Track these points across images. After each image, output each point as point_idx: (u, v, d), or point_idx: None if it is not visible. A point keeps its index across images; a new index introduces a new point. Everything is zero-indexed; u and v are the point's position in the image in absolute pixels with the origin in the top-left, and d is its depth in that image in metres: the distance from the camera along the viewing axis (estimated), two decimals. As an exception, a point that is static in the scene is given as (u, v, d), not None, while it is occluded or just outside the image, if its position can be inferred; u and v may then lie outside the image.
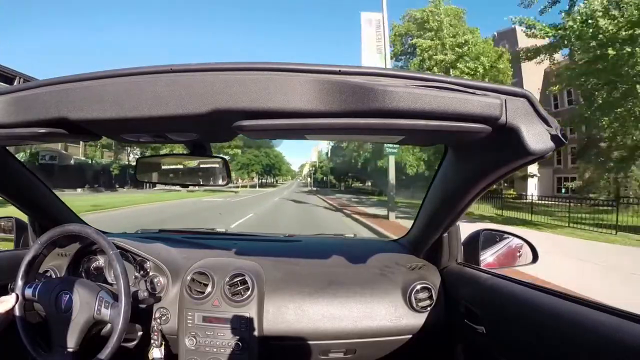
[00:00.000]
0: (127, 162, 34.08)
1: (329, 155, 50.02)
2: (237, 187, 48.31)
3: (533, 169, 22.63)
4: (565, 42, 9.45)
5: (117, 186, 31.82)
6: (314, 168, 67.59)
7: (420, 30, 16.38)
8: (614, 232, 8.45)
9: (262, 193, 33.18)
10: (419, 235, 1.26)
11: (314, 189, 52.13)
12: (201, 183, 1.04)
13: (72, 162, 28.45)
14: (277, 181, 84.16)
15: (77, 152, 30.00)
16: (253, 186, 52.43)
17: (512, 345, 0.84)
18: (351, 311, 1.10)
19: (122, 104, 0.59)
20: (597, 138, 11.73)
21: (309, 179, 74.20)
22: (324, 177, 59.92)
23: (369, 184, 46.77)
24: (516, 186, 23.64)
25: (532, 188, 22.24)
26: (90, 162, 30.40)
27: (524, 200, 15.61)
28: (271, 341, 1.08)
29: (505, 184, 23.94)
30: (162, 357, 1.11)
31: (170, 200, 19.34)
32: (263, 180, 68.13)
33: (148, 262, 1.18)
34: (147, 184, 30.64)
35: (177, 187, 26.86)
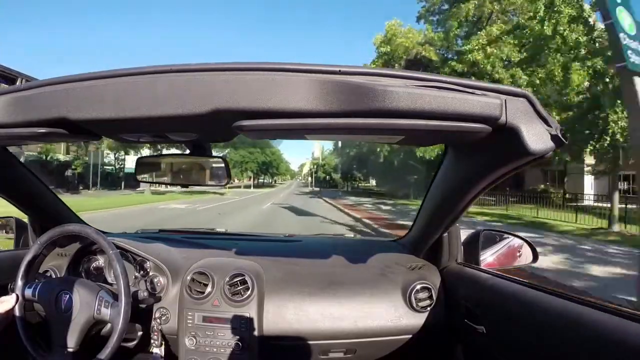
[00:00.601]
0: (92, 159, 27.81)
1: (340, 147, 38.67)
2: (228, 187, 44.35)
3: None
4: None
5: (81, 188, 26.08)
6: (315, 166, 58.33)
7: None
8: None
9: (253, 195, 27.34)
10: (419, 235, 1.26)
11: (316, 189, 44.90)
12: (201, 183, 1.04)
13: (21, 159, 23.45)
14: (275, 181, 77.29)
15: (34, 147, 22.49)
16: (248, 186, 45.34)
17: (512, 345, 0.84)
18: (351, 311, 1.10)
19: (122, 104, 0.59)
20: None
21: (309, 179, 64.38)
22: (327, 176, 52.74)
23: (374, 182, 41.72)
24: (568, 184, 19.07)
25: (588, 187, 18.09)
26: (44, 158, 24.46)
27: (603, 205, 11.24)
28: (271, 341, 1.08)
29: (548, 182, 20.62)
30: (162, 357, 1.11)
31: (123, 207, 14.27)
32: (260, 180, 61.71)
33: (148, 262, 1.18)
34: (121, 186, 28.34)
35: (143, 188, 24.17)
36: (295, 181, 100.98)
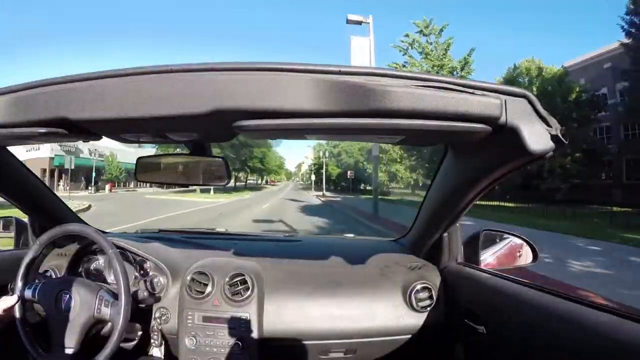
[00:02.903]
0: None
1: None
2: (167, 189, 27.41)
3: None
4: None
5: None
6: (324, 154, 37.16)
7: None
8: None
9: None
10: (419, 235, 1.26)
11: (334, 197, 25.55)
12: (200, 183, 1.04)
13: None
14: (266, 181, 58.28)
15: None
16: (206, 191, 24.98)
17: (512, 345, 0.85)
18: (351, 311, 1.10)
19: (122, 103, 0.59)
20: None
21: (312, 177, 41.84)
22: (347, 173, 30.93)
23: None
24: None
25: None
26: None
27: None
28: (271, 341, 1.08)
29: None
30: (162, 357, 1.11)
31: None
32: (247, 179, 41.41)
33: (148, 262, 1.18)
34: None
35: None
36: (291, 182, 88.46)
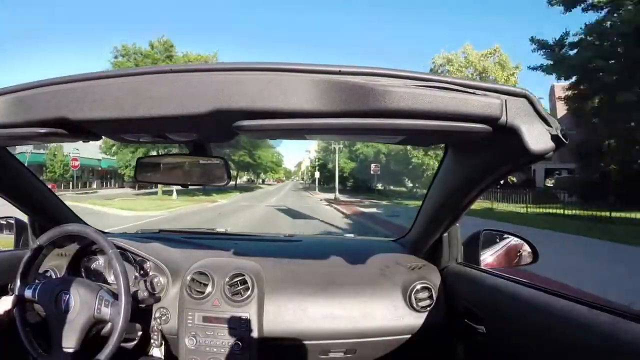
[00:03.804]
0: None
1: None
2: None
3: None
4: None
5: None
6: (338, 142, 22.83)
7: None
8: None
9: None
10: (419, 235, 1.26)
11: (358, 206, 14.83)
12: (200, 183, 1.04)
13: None
14: (263, 180, 51.90)
15: None
16: (168, 191, 20.26)
17: (512, 345, 0.85)
18: (351, 311, 1.11)
19: (122, 104, 0.59)
20: None
21: (316, 174, 33.01)
22: (372, 167, 20.33)
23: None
24: None
25: None
26: None
27: None
28: (271, 341, 1.09)
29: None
30: (162, 357, 1.11)
31: None
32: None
33: (148, 262, 1.18)
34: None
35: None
36: (290, 182, 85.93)
